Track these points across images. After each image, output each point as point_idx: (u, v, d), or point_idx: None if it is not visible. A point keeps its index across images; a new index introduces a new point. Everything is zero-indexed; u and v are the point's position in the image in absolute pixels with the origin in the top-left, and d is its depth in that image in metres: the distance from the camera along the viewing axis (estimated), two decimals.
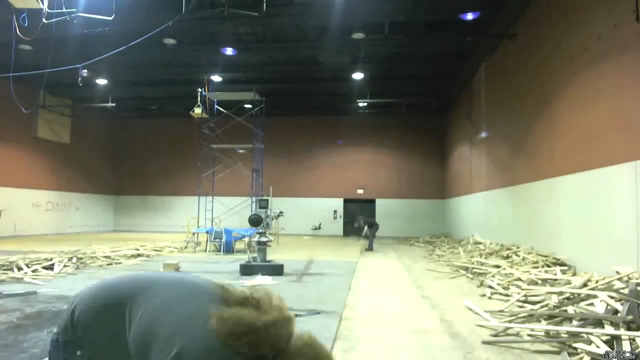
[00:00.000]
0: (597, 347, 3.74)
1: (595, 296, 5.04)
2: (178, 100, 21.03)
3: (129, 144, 25.90)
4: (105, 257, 10.62)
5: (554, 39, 9.12)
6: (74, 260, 9.64)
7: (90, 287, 1.68)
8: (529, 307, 5.58)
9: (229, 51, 14.63)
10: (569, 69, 8.39)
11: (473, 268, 8.96)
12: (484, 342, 4.31)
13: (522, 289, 6.41)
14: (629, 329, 4.03)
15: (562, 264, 7.88)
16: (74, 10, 8.59)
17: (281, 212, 10.17)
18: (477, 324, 5.04)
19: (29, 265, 8.64)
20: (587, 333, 3.96)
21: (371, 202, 23.55)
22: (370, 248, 14.86)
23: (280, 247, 15.38)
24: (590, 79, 7.60)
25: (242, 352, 1.25)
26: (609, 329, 4.03)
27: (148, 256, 11.86)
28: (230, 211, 18.30)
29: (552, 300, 5.44)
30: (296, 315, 3.99)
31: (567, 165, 8.32)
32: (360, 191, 23.87)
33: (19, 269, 8.42)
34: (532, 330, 4.46)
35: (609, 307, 4.55)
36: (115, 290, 1.59)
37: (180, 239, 16.34)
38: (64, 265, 9.09)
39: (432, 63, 16.00)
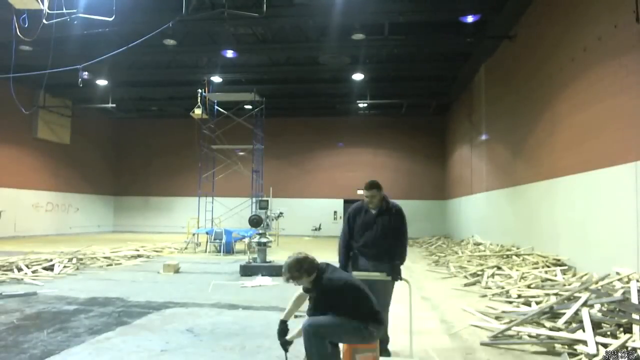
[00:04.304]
0: (595, 348, 3.74)
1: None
2: (178, 101, 21.04)
3: (129, 145, 25.90)
4: (105, 258, 10.62)
5: (554, 39, 9.13)
6: (74, 261, 9.64)
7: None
8: (528, 308, 5.57)
9: (230, 54, 14.65)
10: (569, 69, 8.39)
11: (472, 269, 8.96)
12: (482, 344, 4.31)
13: (521, 290, 6.40)
14: (623, 330, 4.04)
15: (562, 265, 7.88)
16: (74, 11, 8.59)
17: (281, 213, 10.18)
18: (473, 324, 5.04)
19: (29, 266, 8.64)
20: (580, 339, 3.96)
21: None
22: None
23: (281, 248, 15.37)
24: (590, 80, 7.60)
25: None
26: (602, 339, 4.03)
27: (148, 257, 11.86)
28: (230, 212, 18.29)
29: (551, 302, 5.44)
30: (297, 316, 3.96)
31: (567, 166, 8.31)
32: (360, 192, 23.77)
33: (19, 269, 8.42)
34: (533, 332, 4.45)
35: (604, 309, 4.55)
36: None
37: (180, 240, 16.33)
38: (64, 266, 9.10)
39: (432, 64, 15.99)
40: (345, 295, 3.11)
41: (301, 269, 3.12)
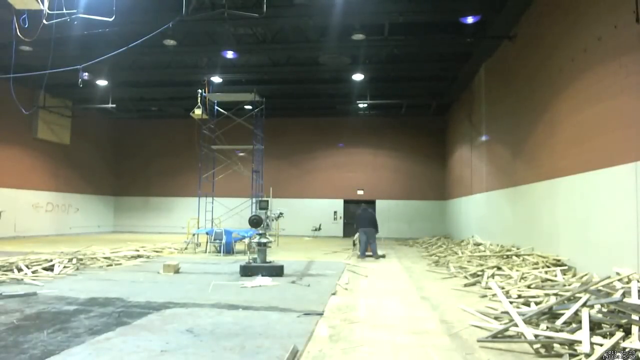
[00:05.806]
0: (589, 347, 3.76)
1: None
2: (178, 101, 21.05)
3: (129, 145, 25.91)
4: (105, 258, 10.61)
5: (554, 40, 9.13)
6: (74, 261, 9.64)
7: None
8: (528, 308, 5.57)
9: (230, 54, 14.65)
10: (569, 70, 8.40)
11: (472, 269, 8.96)
12: (479, 341, 4.30)
13: (521, 290, 6.40)
14: (623, 330, 4.05)
15: (562, 265, 7.88)
16: (74, 11, 8.60)
17: (281, 213, 10.13)
18: (473, 324, 5.04)
19: (29, 266, 8.64)
20: (576, 340, 3.97)
21: (371, 203, 23.55)
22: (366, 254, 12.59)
23: (281, 248, 15.37)
24: (590, 80, 7.61)
25: None
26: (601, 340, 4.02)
27: (148, 257, 11.86)
28: (230, 212, 18.30)
29: (550, 302, 5.43)
30: (298, 317, 3.95)
31: (567, 166, 8.32)
32: (360, 192, 23.86)
33: (19, 270, 8.42)
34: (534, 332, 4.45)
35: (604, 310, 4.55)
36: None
37: (180, 240, 16.34)
38: (64, 267, 9.09)
39: (432, 64, 16.00)
40: (368, 233, 12.62)
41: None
